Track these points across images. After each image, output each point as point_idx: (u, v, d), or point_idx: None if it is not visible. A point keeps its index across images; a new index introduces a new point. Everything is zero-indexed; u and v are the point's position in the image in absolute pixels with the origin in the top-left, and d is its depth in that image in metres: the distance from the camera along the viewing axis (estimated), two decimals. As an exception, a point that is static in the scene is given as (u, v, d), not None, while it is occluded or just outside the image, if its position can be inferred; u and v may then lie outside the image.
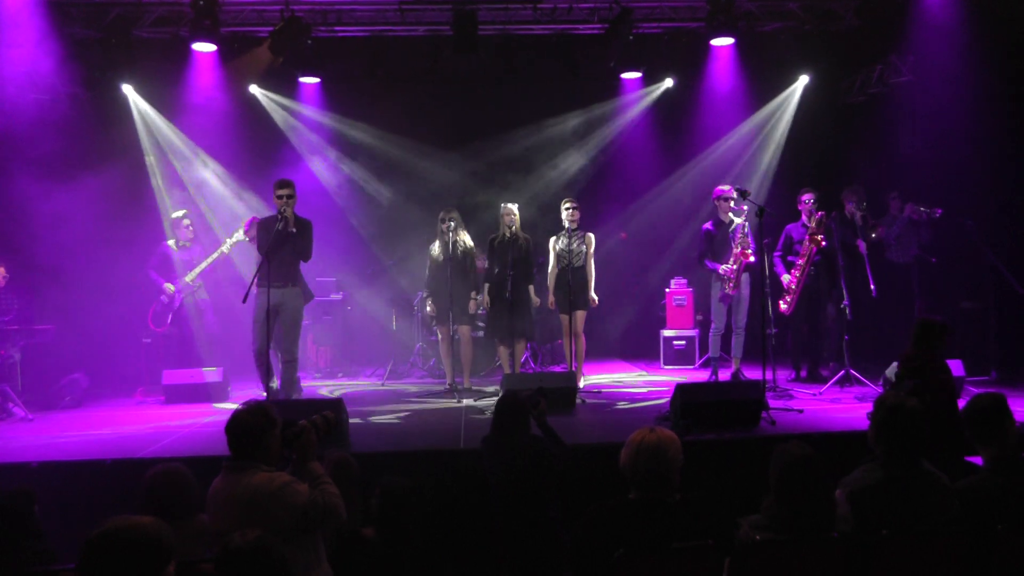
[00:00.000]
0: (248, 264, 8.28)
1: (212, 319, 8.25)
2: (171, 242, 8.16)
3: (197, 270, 7.97)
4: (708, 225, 7.76)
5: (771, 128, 9.97)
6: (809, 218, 7.54)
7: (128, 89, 9.12)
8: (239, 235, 7.91)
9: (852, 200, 7.79)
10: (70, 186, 7.96)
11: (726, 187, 7.67)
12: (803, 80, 9.60)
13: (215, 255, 7.96)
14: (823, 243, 7.28)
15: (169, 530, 2.34)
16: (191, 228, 8.19)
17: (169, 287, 7.93)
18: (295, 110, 9.96)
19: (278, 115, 9.90)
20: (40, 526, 3.72)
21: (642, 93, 10.11)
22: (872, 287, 7.20)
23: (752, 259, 7.34)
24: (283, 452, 3.25)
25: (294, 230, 6.68)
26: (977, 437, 3.32)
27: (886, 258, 8.32)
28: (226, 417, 3.24)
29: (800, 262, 7.45)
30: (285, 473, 3.16)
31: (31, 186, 7.82)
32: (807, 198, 7.60)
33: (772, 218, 7.01)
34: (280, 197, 6.64)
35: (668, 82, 9.92)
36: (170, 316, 8.00)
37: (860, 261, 7.46)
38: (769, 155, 9.95)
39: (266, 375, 6.63)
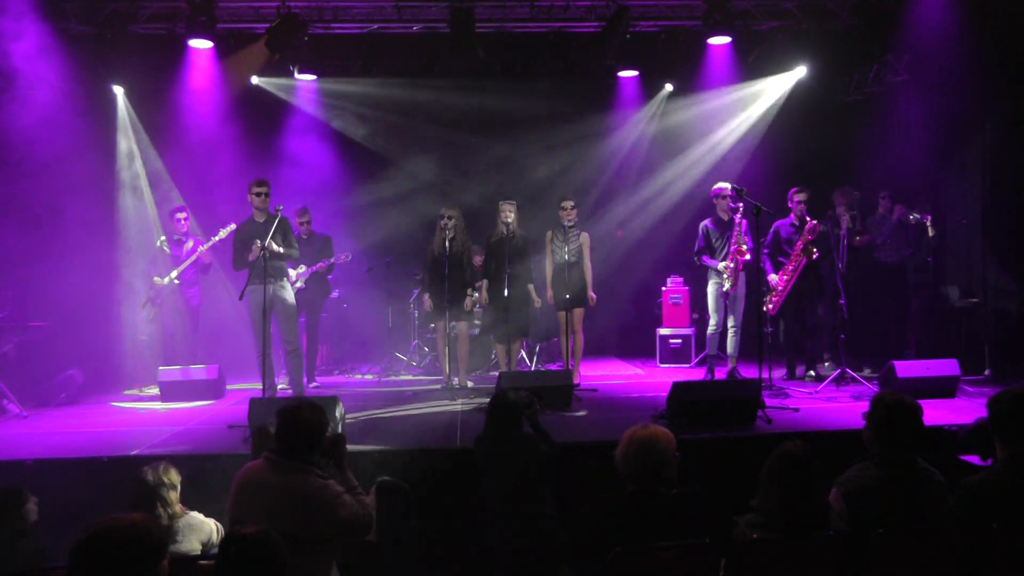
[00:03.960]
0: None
1: (197, 317, 8.21)
2: (163, 238, 8.16)
3: (175, 272, 7.92)
4: (707, 222, 7.78)
5: (765, 125, 9.98)
6: (800, 220, 7.54)
7: (118, 91, 9.09)
8: (220, 234, 7.91)
9: (842, 202, 7.79)
10: (64, 182, 7.93)
11: (724, 185, 7.68)
12: (798, 72, 9.54)
13: (194, 256, 7.90)
14: (815, 255, 7.28)
15: (160, 526, 2.34)
16: (182, 222, 8.13)
17: (156, 280, 7.92)
18: (291, 106, 9.94)
19: (279, 105, 9.88)
20: (32, 524, 3.71)
21: (640, 93, 10.13)
22: (840, 264, 7.23)
23: (748, 257, 7.34)
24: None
25: (262, 219, 6.84)
26: (1001, 434, 3.13)
27: (878, 258, 8.33)
28: (222, 414, 3.23)
29: (790, 267, 7.46)
30: (335, 483, 3.13)
31: (25, 181, 7.79)
32: (799, 198, 7.60)
33: (768, 216, 7.02)
34: (259, 195, 6.87)
35: (668, 87, 9.97)
36: (154, 312, 7.98)
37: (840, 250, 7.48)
38: (764, 153, 9.96)
39: (269, 376, 6.64)
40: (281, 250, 6.75)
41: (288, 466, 3.05)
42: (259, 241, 6.53)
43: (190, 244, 8.04)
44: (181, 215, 8.12)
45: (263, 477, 3.07)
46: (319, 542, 2.98)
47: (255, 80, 9.60)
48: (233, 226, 7.82)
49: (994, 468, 3.18)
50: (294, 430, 3.08)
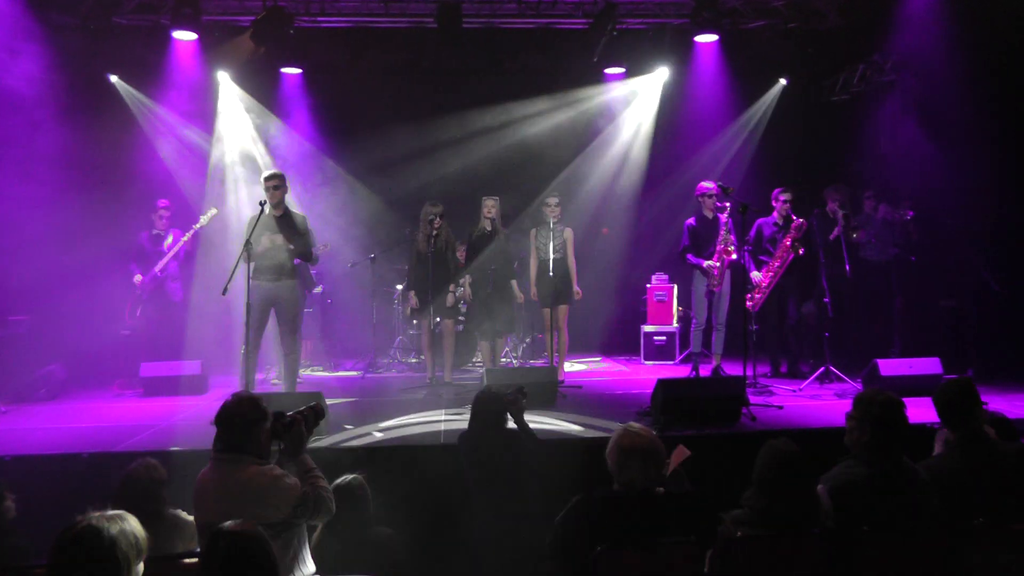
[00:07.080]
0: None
1: (180, 312, 8.13)
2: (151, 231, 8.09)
3: (163, 261, 7.85)
4: (691, 220, 7.78)
5: (752, 126, 10.02)
6: (784, 220, 7.56)
7: (116, 80, 9.05)
8: (201, 222, 7.84)
9: (836, 199, 7.82)
10: (45, 175, 7.83)
11: (709, 184, 7.69)
12: (781, 83, 9.72)
13: (178, 246, 7.84)
14: (801, 252, 7.29)
15: (139, 525, 2.32)
16: (164, 217, 8.04)
17: (137, 278, 7.84)
18: (274, 99, 9.86)
19: (250, 106, 9.77)
20: (10, 522, 3.66)
21: (627, 87, 10.13)
22: (847, 268, 7.20)
23: (734, 256, 7.36)
24: (271, 445, 3.23)
25: (278, 214, 6.50)
26: (947, 421, 3.49)
27: (863, 257, 8.37)
28: (205, 410, 3.21)
29: (775, 264, 7.47)
30: (276, 466, 3.15)
31: (4, 175, 7.68)
32: (784, 197, 7.62)
33: (755, 215, 7.04)
34: (267, 188, 6.47)
35: (664, 71, 9.80)
36: (139, 309, 7.91)
37: (838, 252, 7.47)
38: (751, 152, 9.99)
39: (249, 375, 6.45)
40: (292, 246, 6.46)
41: (226, 460, 3.10)
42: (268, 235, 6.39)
43: (170, 239, 7.97)
44: (163, 210, 8.04)
45: (208, 477, 3.13)
46: (271, 526, 2.96)
47: (223, 75, 9.39)
48: (215, 210, 7.80)
49: (946, 450, 3.49)
50: (224, 425, 3.14)
